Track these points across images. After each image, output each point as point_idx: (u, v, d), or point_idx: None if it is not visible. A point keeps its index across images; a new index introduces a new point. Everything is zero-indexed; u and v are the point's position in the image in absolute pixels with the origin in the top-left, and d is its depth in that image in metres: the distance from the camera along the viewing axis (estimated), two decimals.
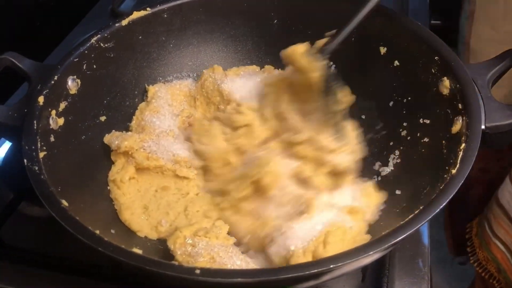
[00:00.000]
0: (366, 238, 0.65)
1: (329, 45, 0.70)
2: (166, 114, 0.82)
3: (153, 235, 0.70)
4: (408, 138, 0.75)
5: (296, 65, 0.71)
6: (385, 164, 0.77)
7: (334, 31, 0.71)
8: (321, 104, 0.71)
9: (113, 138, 0.76)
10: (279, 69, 0.88)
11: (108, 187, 0.74)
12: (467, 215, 1.13)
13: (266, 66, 0.90)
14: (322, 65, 0.70)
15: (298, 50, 0.71)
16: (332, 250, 0.60)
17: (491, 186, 1.03)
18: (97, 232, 0.55)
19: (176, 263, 0.49)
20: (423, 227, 0.74)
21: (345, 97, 0.74)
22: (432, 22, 1.11)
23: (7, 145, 0.93)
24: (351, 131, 0.73)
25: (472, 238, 1.06)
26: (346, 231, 0.63)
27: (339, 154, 0.71)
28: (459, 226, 1.18)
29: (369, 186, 0.72)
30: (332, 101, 0.71)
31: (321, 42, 0.72)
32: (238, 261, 0.61)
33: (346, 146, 0.71)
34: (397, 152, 0.76)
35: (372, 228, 0.68)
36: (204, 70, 0.88)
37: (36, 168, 0.60)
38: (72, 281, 0.70)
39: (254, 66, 0.90)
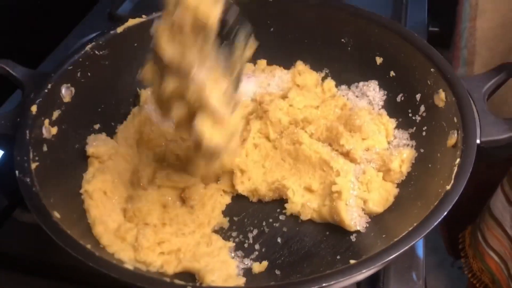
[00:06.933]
0: None
1: None
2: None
3: (126, 255, 0.62)
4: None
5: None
6: None
7: None
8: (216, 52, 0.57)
9: (89, 141, 0.74)
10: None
11: (82, 197, 0.69)
12: (459, 216, 1.11)
13: (258, 61, 0.88)
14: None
15: None
16: None
17: (479, 185, 1.01)
18: (89, 246, 0.54)
19: (168, 279, 0.49)
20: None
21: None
22: (430, 29, 1.11)
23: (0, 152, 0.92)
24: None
25: (466, 249, 1.06)
26: None
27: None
28: (453, 229, 1.17)
29: None
30: (232, 50, 0.58)
31: None
32: None
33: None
34: None
35: None
36: None
37: (28, 180, 0.60)
38: None
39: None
